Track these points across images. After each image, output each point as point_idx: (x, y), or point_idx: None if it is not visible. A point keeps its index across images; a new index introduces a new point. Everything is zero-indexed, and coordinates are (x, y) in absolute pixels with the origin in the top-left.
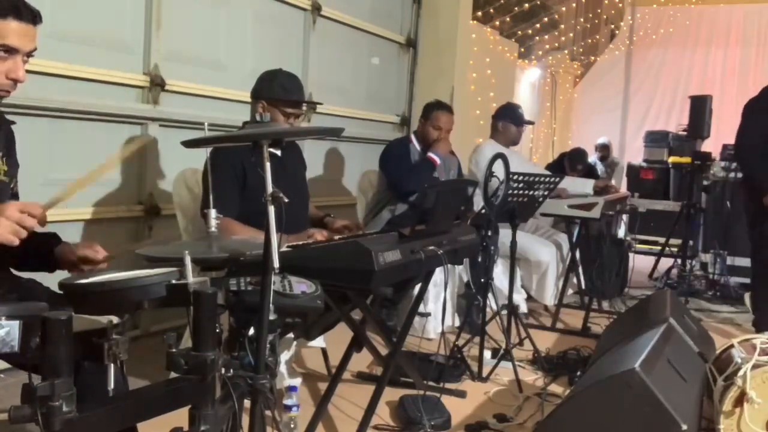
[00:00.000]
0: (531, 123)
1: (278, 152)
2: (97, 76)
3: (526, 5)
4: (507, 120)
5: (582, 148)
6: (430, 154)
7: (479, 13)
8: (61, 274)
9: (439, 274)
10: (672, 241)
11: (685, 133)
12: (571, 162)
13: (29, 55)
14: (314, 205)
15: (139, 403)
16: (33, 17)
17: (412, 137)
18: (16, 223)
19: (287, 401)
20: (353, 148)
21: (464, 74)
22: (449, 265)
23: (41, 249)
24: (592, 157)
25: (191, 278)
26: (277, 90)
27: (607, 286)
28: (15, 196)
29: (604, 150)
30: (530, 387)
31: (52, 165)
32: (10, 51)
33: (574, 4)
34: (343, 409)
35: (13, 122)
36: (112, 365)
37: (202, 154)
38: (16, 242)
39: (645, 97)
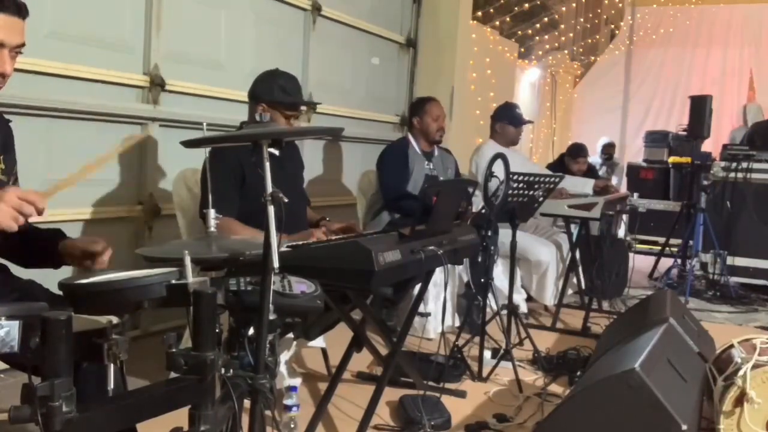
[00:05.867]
0: (529, 122)
1: (277, 152)
2: (97, 76)
3: (526, 5)
4: (505, 121)
5: (580, 142)
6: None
7: (479, 13)
8: (62, 274)
9: (439, 274)
10: (672, 241)
11: (685, 133)
12: (572, 155)
13: (18, 50)
14: (313, 205)
15: (139, 403)
16: (18, 9)
17: (410, 138)
18: (15, 210)
19: (287, 401)
20: (353, 148)
21: (464, 74)
22: (449, 265)
23: (46, 245)
24: (596, 158)
25: (191, 278)
26: (277, 92)
27: (607, 286)
28: None
29: (610, 149)
30: (530, 387)
31: (51, 165)
32: None
33: (574, 4)
34: (343, 409)
35: (10, 120)
36: (111, 365)
37: (202, 154)
38: (15, 228)
39: (645, 97)
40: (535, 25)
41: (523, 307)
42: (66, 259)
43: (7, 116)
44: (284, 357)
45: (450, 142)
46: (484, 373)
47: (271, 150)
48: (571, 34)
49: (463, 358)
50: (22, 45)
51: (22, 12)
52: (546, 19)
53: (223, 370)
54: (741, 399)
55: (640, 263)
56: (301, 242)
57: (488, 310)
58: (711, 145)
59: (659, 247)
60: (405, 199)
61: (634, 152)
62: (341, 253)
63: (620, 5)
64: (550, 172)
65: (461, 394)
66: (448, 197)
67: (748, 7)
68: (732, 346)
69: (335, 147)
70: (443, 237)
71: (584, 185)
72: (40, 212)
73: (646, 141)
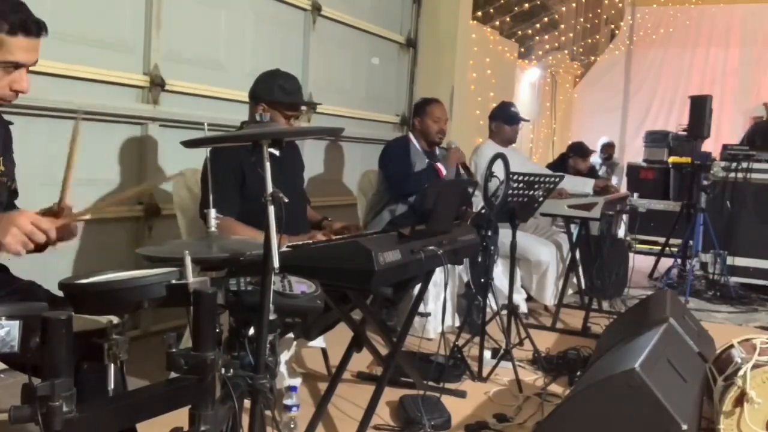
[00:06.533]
0: (525, 120)
1: (277, 152)
2: (97, 76)
3: (526, 5)
4: (499, 120)
5: (580, 141)
6: (439, 165)
7: (479, 13)
8: (62, 274)
9: (439, 274)
10: (672, 241)
11: (685, 133)
12: (581, 155)
13: (32, 65)
14: (313, 205)
15: (139, 403)
16: (39, 30)
17: (411, 136)
18: (27, 235)
19: (287, 401)
20: (353, 148)
21: (464, 74)
22: (449, 265)
23: None
24: (596, 158)
25: (191, 278)
26: (277, 93)
27: (607, 286)
28: (14, 192)
29: (610, 149)
30: (530, 387)
31: (51, 165)
32: (18, 66)
33: (574, 4)
34: (343, 409)
35: (11, 122)
36: (112, 365)
37: (202, 154)
38: (23, 254)
39: (645, 97)
40: (535, 25)
41: (523, 307)
42: None
43: (7, 117)
44: (284, 357)
45: None
46: (484, 373)
47: (271, 150)
48: (571, 34)
49: (463, 358)
50: (36, 61)
51: (42, 32)
52: (546, 19)
53: (223, 370)
54: (741, 399)
55: (640, 263)
56: (301, 242)
57: (488, 310)
58: (711, 145)
59: (659, 247)
60: (412, 181)
61: (634, 152)
62: (341, 253)
63: (620, 5)
64: (550, 172)
65: (461, 394)
66: (448, 197)
67: (748, 7)
68: (732, 346)
69: (335, 147)
70: (443, 237)
71: (584, 185)
72: (50, 241)
73: (646, 141)
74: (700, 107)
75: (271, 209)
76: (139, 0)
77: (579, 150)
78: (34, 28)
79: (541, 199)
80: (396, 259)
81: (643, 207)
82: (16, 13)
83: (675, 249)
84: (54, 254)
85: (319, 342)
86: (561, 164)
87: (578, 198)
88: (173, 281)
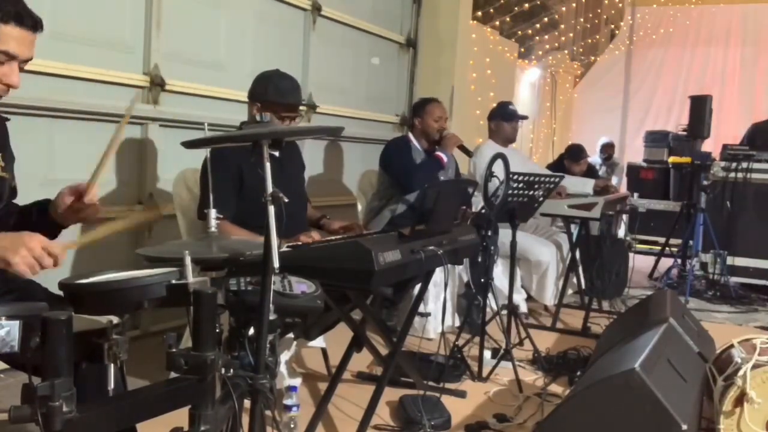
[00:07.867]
0: (524, 118)
1: (276, 153)
2: (97, 76)
3: (526, 5)
4: (498, 118)
5: (577, 143)
6: (439, 153)
7: (479, 13)
8: (61, 273)
9: (439, 274)
10: (672, 241)
11: (685, 133)
12: (574, 158)
13: (25, 62)
14: (313, 205)
15: (139, 403)
16: (34, 25)
17: (411, 136)
18: (36, 259)
19: (287, 401)
20: (353, 148)
21: (464, 74)
22: (449, 265)
23: (40, 215)
24: (596, 157)
25: (191, 278)
26: (271, 93)
27: (607, 286)
28: (14, 190)
29: (610, 149)
30: (530, 387)
31: (51, 165)
32: (9, 57)
33: (574, 4)
34: (343, 409)
35: (7, 119)
36: (112, 365)
37: (202, 154)
38: (29, 276)
39: (645, 97)
40: (535, 25)
41: (523, 307)
42: (58, 216)
43: (6, 116)
44: (284, 357)
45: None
46: (484, 373)
47: (271, 150)
48: (571, 34)
49: (463, 358)
50: (31, 59)
51: (37, 27)
52: (546, 19)
53: (223, 370)
54: (741, 399)
55: (640, 263)
56: (300, 242)
57: (488, 310)
58: (711, 145)
59: (659, 247)
60: (417, 174)
61: (634, 152)
62: (341, 253)
63: (620, 5)
64: (550, 172)
65: (461, 394)
66: (448, 197)
67: (748, 7)
68: (732, 346)
69: (335, 147)
70: (443, 237)
71: (584, 185)
72: (57, 264)
73: (646, 141)
74: (700, 107)
75: (271, 209)
76: (139, 0)
77: (572, 154)
78: (29, 20)
79: (541, 199)
80: (396, 259)
81: (643, 207)
82: (10, 3)
83: (675, 249)
84: None
85: (319, 342)
86: (560, 165)
87: (578, 198)
88: (173, 281)
